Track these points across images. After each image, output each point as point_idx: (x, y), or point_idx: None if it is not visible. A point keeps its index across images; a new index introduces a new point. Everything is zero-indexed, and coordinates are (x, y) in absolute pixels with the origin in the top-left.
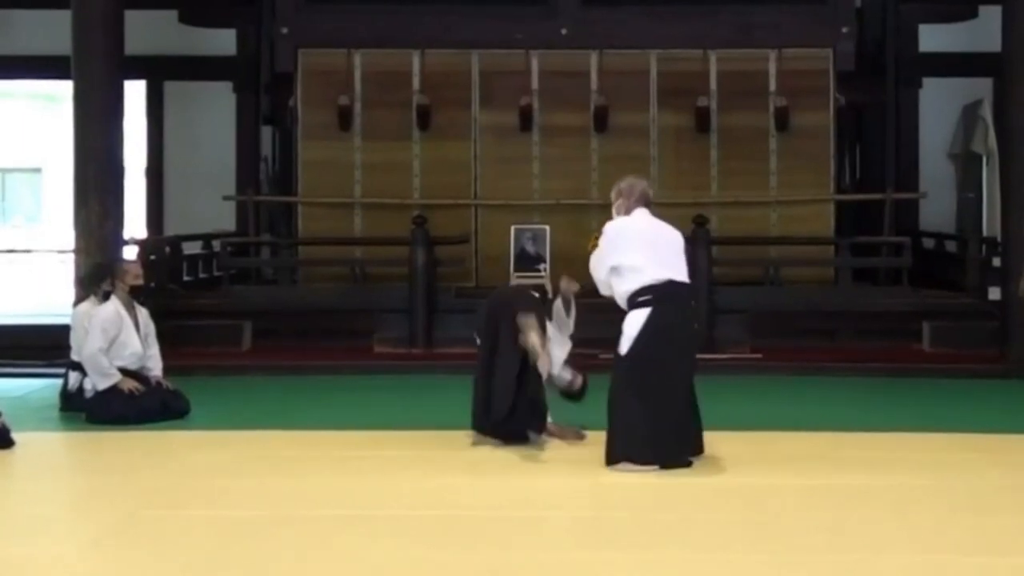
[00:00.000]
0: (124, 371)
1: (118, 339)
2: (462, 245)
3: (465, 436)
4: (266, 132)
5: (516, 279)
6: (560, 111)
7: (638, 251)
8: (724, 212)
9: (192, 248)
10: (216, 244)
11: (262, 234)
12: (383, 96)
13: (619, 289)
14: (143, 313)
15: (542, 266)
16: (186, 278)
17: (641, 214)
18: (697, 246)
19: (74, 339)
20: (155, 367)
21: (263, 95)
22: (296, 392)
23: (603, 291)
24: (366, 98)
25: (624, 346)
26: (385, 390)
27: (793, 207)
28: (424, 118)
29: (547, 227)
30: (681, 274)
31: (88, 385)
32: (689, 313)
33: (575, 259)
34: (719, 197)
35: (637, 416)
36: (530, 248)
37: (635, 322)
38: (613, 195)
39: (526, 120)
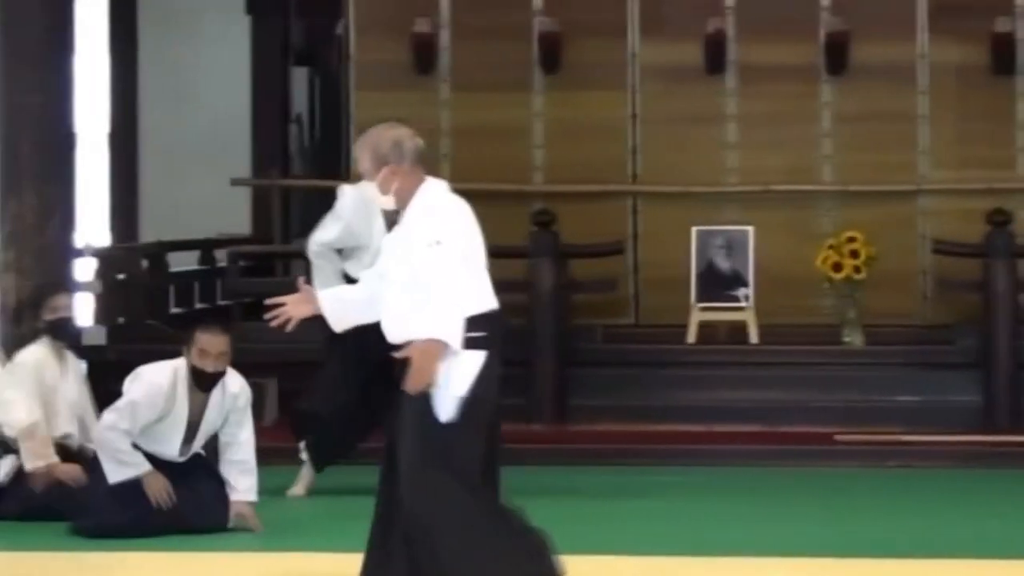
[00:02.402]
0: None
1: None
2: (613, 258)
3: None
4: (299, 77)
5: (700, 313)
6: (770, 42)
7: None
8: None
9: (183, 261)
10: (221, 256)
11: (292, 240)
12: (485, 19)
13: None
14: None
15: (742, 293)
16: (174, 309)
17: (439, 187)
18: (993, 258)
19: (20, 398)
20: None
21: (293, 18)
22: (347, 496)
23: None
24: (458, 22)
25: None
26: None
27: None
28: (551, 54)
29: (750, 229)
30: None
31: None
32: None
33: (795, 281)
34: None
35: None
36: (723, 264)
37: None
38: (366, 159)
39: (716, 57)
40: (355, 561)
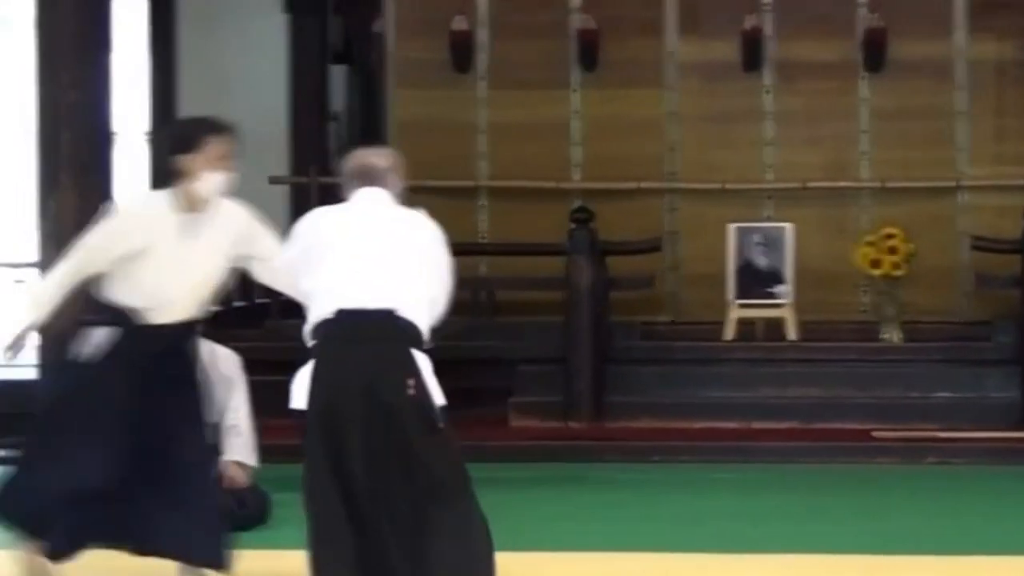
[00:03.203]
0: None
1: None
2: (650, 255)
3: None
4: (337, 75)
5: (738, 310)
6: (807, 39)
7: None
8: None
9: None
10: None
11: None
12: (523, 17)
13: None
14: None
15: (780, 290)
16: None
17: (361, 198)
18: None
19: None
20: None
21: (331, 16)
22: None
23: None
24: (496, 20)
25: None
26: (524, 488)
27: None
28: (589, 52)
29: (788, 226)
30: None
31: None
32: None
33: (833, 278)
34: None
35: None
36: (761, 261)
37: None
38: None
39: (753, 53)
40: None
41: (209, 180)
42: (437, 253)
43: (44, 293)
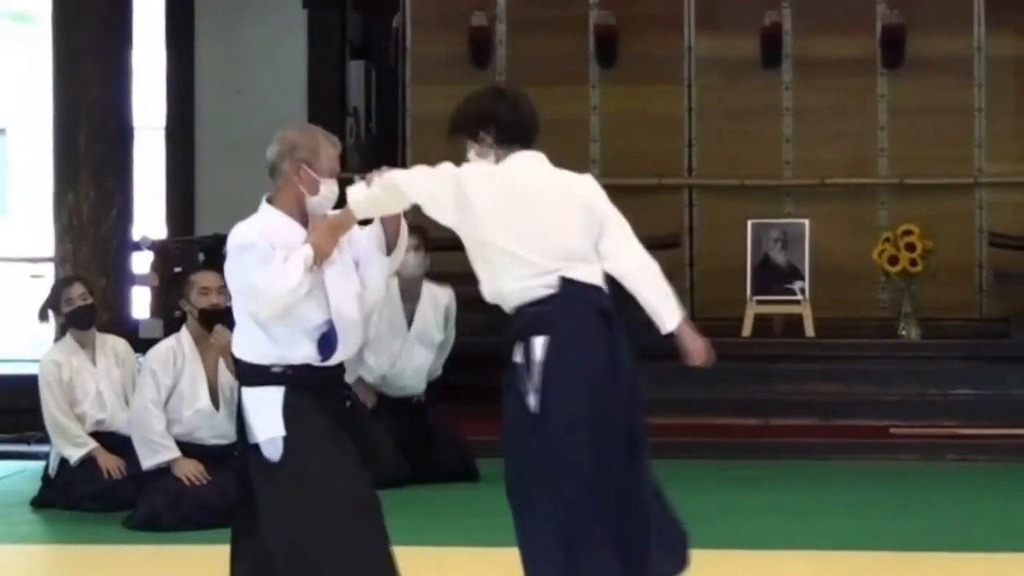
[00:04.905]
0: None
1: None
2: (669, 251)
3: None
4: (356, 70)
5: (756, 306)
6: (826, 35)
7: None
8: None
9: None
10: None
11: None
12: (541, 12)
13: None
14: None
15: (798, 286)
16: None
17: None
18: None
19: (46, 401)
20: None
21: (350, 11)
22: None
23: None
24: (514, 15)
25: None
26: None
27: None
28: (607, 48)
29: (806, 222)
30: None
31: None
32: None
33: (852, 274)
34: None
35: None
36: (779, 257)
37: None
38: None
39: (772, 50)
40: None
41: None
42: None
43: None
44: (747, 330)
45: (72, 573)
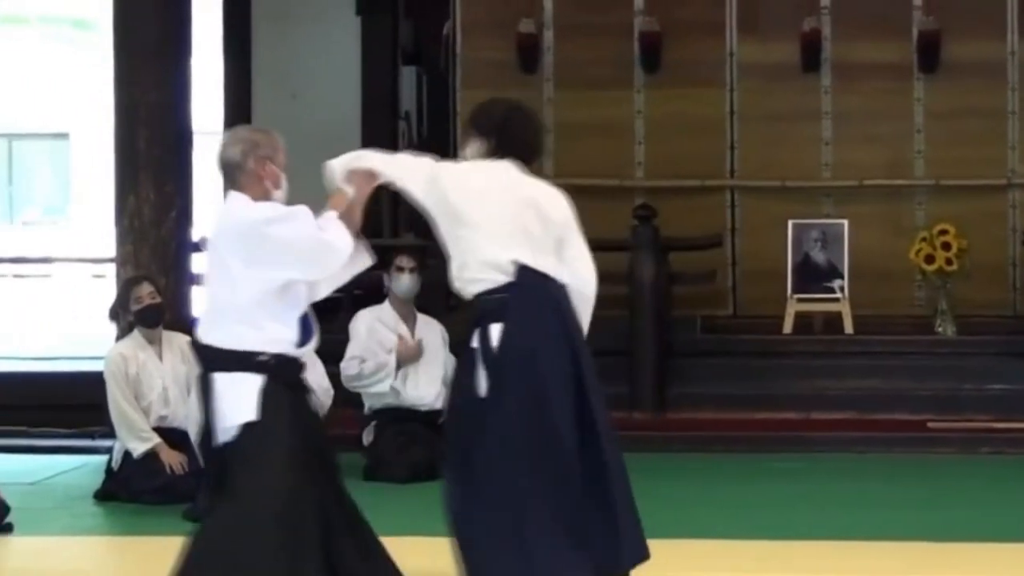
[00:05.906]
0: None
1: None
2: (711, 251)
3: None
4: (408, 76)
5: (796, 304)
6: (864, 40)
7: None
8: None
9: None
10: None
11: (402, 234)
12: (588, 19)
13: None
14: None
15: (837, 284)
16: None
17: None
18: None
19: (113, 393)
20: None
21: (401, 18)
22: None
23: None
24: (561, 22)
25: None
26: None
27: None
28: (652, 53)
29: (845, 222)
30: None
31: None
32: None
33: (889, 273)
34: None
35: None
36: (819, 256)
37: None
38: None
39: (811, 55)
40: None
41: None
42: None
43: None
44: (788, 327)
45: (133, 564)
